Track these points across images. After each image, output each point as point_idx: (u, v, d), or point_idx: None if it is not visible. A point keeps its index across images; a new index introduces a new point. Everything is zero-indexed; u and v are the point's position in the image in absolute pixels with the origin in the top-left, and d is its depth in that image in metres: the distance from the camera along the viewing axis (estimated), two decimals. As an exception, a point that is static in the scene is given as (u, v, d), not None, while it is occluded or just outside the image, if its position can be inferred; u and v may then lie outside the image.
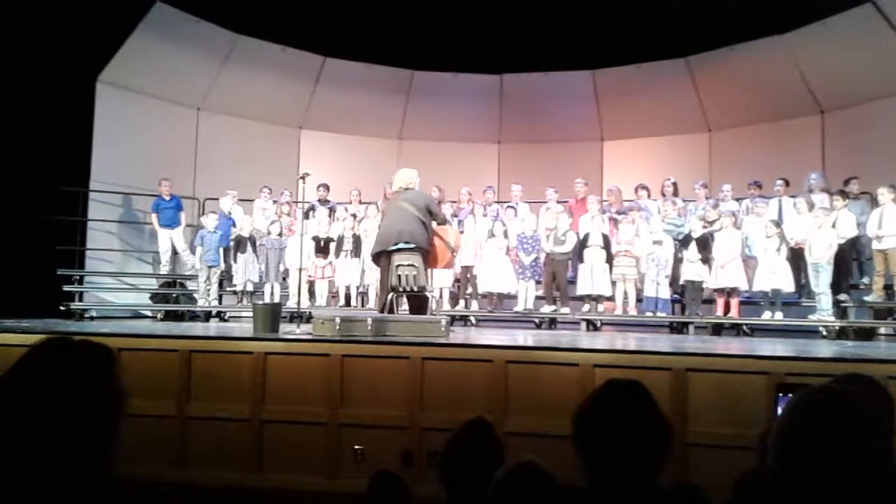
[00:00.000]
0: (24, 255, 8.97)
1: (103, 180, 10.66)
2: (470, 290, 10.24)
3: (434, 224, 7.55)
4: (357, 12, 10.99)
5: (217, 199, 11.13)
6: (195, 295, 10.63)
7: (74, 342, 1.48)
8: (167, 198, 10.90)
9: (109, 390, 1.44)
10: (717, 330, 9.17)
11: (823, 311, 8.64)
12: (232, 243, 10.62)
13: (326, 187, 11.31)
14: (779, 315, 8.93)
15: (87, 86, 10.48)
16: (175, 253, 11.00)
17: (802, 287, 9.08)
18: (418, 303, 7.40)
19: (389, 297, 7.38)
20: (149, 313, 10.71)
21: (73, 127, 10.13)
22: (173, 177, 11.08)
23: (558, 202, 10.69)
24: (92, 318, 9.85)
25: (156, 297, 10.93)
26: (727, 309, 9.12)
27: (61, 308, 9.60)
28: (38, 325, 7.44)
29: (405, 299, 7.60)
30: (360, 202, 11.24)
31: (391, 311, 7.31)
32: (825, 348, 6.88)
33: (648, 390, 1.94)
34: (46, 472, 1.33)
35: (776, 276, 8.88)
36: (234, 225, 10.78)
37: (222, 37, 11.64)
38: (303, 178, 7.96)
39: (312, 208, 10.90)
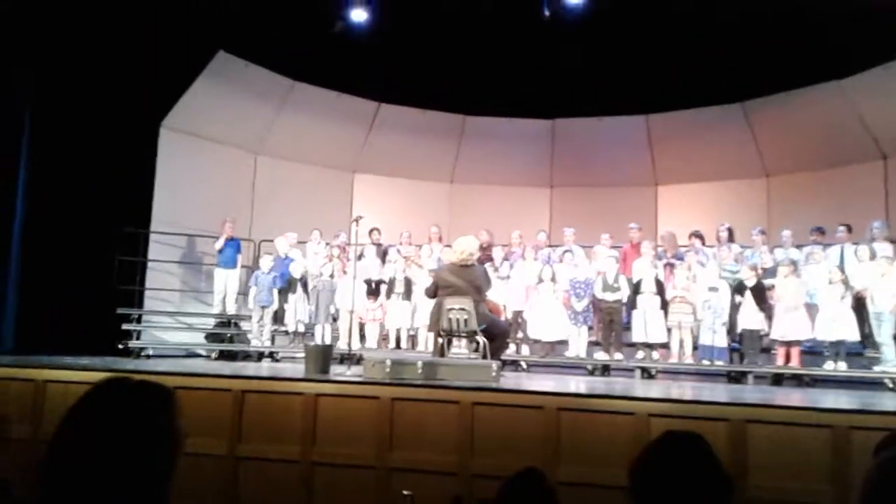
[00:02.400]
0: (86, 293, 9.24)
1: (164, 221, 10.94)
2: (521, 334, 10.15)
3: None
4: (411, 58, 11.19)
5: (272, 240, 11.31)
6: (248, 335, 10.77)
7: (135, 382, 1.50)
8: (230, 238, 11.10)
9: (168, 430, 1.46)
10: (777, 380, 8.88)
11: (888, 363, 8.32)
12: (289, 282, 10.76)
13: (378, 231, 11.41)
14: (842, 365, 8.62)
15: (151, 131, 10.84)
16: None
17: (867, 337, 8.76)
18: (493, 342, 7.30)
19: (440, 340, 7.36)
20: (203, 352, 10.87)
21: (137, 170, 10.47)
22: (231, 219, 11.31)
23: (612, 247, 10.59)
24: (148, 357, 10.03)
25: (210, 337, 11.10)
26: (788, 358, 8.85)
27: (119, 346, 9.80)
28: (97, 363, 7.61)
29: (458, 342, 7.58)
30: (411, 244, 11.30)
31: (441, 354, 7.28)
32: (890, 401, 6.60)
33: (708, 443, 1.88)
34: None
35: (839, 325, 8.60)
36: (288, 263, 10.89)
37: (279, 83, 11.97)
38: (356, 220, 8.06)
39: (363, 252, 10.99)
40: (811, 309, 8.92)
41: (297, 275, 10.80)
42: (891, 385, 8.25)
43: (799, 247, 10.00)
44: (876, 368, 8.46)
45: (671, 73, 11.09)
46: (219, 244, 10.95)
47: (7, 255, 9.31)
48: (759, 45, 10.16)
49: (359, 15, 10.62)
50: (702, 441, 1.88)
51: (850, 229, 9.59)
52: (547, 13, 10.24)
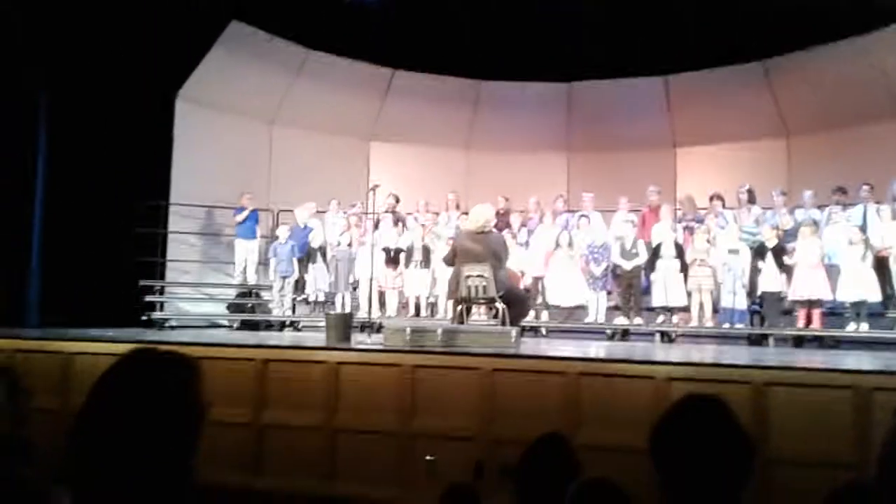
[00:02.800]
0: (108, 267, 9.33)
1: (182, 193, 10.99)
2: (540, 300, 10.16)
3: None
4: (424, 24, 11.08)
5: (291, 210, 11.35)
6: (270, 305, 10.86)
7: (161, 353, 1.53)
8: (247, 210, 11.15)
9: (193, 400, 1.48)
10: (799, 342, 8.84)
11: (912, 322, 8.27)
12: (308, 250, 10.82)
13: (396, 198, 11.39)
14: (864, 326, 8.55)
15: (167, 102, 10.84)
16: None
17: (889, 297, 8.68)
18: (511, 308, 7.32)
19: (459, 307, 7.39)
20: (225, 322, 10.99)
21: (154, 143, 10.49)
22: (248, 190, 11.35)
23: (630, 211, 10.51)
24: (172, 328, 10.15)
25: (232, 307, 11.20)
26: (809, 320, 8.79)
27: (143, 318, 9.93)
28: (122, 335, 7.72)
29: (477, 309, 7.61)
30: (428, 211, 11.28)
31: (461, 321, 7.31)
32: (915, 361, 6.55)
33: (729, 406, 1.87)
34: (134, 477, 1.37)
35: (861, 286, 8.52)
36: (309, 232, 10.94)
37: (294, 52, 11.91)
38: (373, 189, 8.06)
39: (379, 220, 11.00)
40: (831, 270, 8.83)
41: (316, 244, 10.84)
42: (914, 345, 8.20)
43: (821, 207, 9.87)
44: (899, 328, 8.40)
45: (688, 33, 10.89)
46: (240, 217, 11.00)
47: (30, 232, 9.42)
48: (777, 1, 9.94)
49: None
50: (722, 404, 1.87)
51: (872, 188, 9.45)
52: (562, -26, 10.09)
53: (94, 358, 6.17)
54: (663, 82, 12.43)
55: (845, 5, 9.76)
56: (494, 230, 7.83)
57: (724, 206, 10.26)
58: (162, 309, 10.45)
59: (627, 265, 9.64)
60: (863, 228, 8.87)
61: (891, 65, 10.40)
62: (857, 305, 8.58)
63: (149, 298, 10.20)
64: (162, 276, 10.74)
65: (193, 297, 11.29)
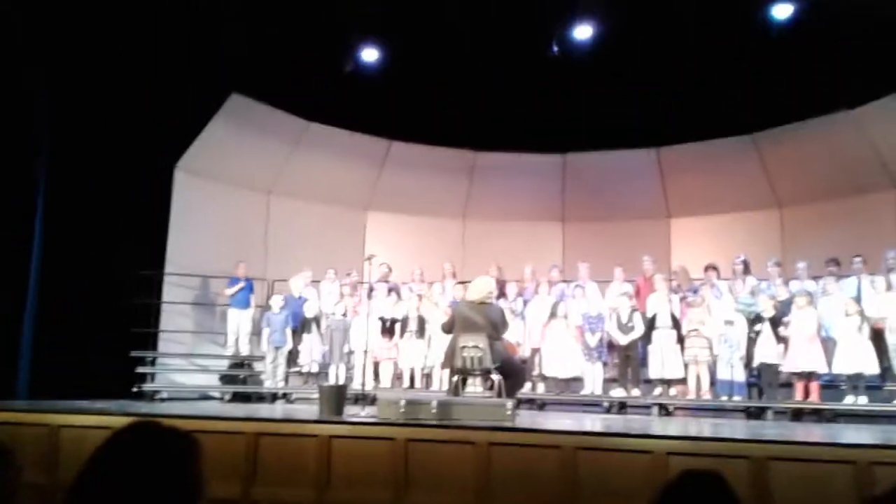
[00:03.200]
0: (100, 337, 9.26)
1: (178, 263, 10.99)
2: (536, 371, 10.06)
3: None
4: (421, 96, 11.29)
5: (286, 280, 11.33)
6: (262, 376, 10.74)
7: (161, 427, 1.50)
8: (242, 278, 11.14)
9: (192, 477, 1.44)
10: (797, 415, 8.74)
11: (910, 395, 8.20)
12: (301, 321, 10.76)
13: (389, 268, 11.39)
14: (862, 399, 8.47)
15: (166, 173, 10.95)
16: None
17: (887, 370, 8.63)
18: (508, 380, 7.23)
19: (455, 379, 7.31)
20: (217, 394, 10.84)
21: (152, 213, 10.56)
22: (245, 259, 11.36)
23: (626, 281, 10.53)
24: (162, 400, 10.01)
25: (224, 379, 11.08)
26: (807, 393, 8.71)
27: (134, 389, 9.79)
28: (112, 407, 7.59)
29: (472, 380, 7.52)
30: (423, 281, 11.27)
31: (456, 393, 7.22)
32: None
33: (728, 482, 1.84)
34: None
35: (858, 358, 8.48)
36: (303, 303, 10.89)
37: (293, 123, 12.10)
38: (369, 259, 8.07)
39: (372, 289, 10.99)
40: (827, 342, 8.80)
41: (311, 314, 10.80)
42: (913, 418, 8.11)
43: (815, 278, 9.89)
44: (897, 401, 8.33)
45: (681, 106, 11.11)
46: (231, 291, 11.01)
47: (23, 301, 9.37)
48: (768, 76, 10.18)
49: (370, 54, 10.77)
50: (721, 479, 1.85)
51: (865, 261, 9.49)
52: (556, 49, 10.34)
53: (82, 431, 6.05)
54: (656, 153, 12.62)
55: (833, 80, 9.99)
56: (494, 301, 7.82)
57: (718, 276, 10.28)
58: (153, 380, 10.32)
59: (624, 339, 9.60)
60: (857, 300, 8.87)
61: (880, 137, 10.59)
62: (855, 378, 8.52)
63: (140, 370, 10.09)
64: (154, 347, 10.65)
65: (186, 369, 11.17)
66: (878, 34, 9.10)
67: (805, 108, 10.80)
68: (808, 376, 8.72)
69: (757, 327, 9.03)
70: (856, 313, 8.60)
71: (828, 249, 10.05)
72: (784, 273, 10.00)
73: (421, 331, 10.39)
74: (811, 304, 8.99)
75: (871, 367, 8.47)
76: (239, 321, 11.05)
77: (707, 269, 10.37)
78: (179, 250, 11.02)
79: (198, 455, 1.49)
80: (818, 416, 8.64)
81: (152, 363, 10.45)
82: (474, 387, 7.79)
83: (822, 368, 8.68)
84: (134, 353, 10.03)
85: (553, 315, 9.95)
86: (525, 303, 10.46)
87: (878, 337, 8.63)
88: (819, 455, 4.85)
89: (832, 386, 8.89)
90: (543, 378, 10.05)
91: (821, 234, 10.96)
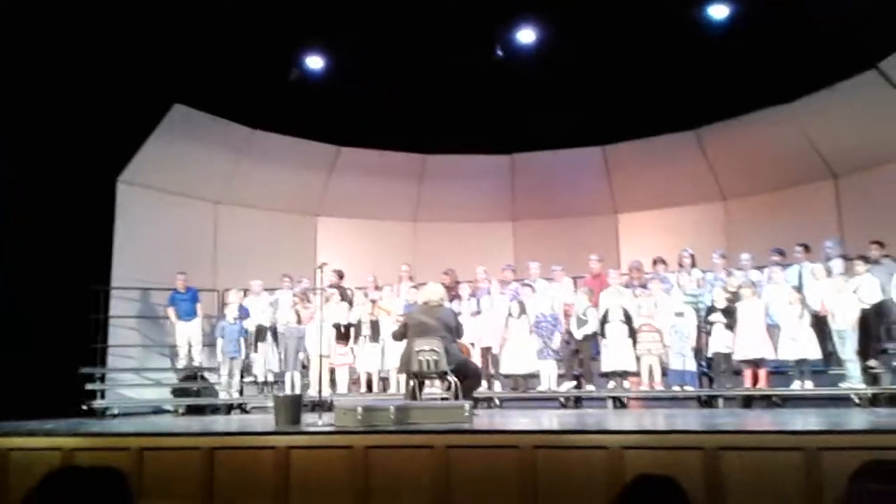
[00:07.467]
0: (46, 355, 9.00)
1: (125, 276, 10.77)
2: (492, 370, 10.12)
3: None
4: (368, 102, 11.25)
5: (237, 289, 11.14)
6: (217, 387, 10.58)
7: (85, 470, 1.46)
8: (183, 291, 10.96)
9: None
10: (748, 402, 8.97)
11: (853, 379, 8.48)
12: (251, 333, 10.63)
13: (340, 274, 11.31)
14: (809, 384, 8.74)
15: (108, 186, 10.72)
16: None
17: (830, 355, 8.91)
18: (464, 381, 7.26)
19: (412, 383, 7.32)
20: (170, 408, 10.65)
21: (96, 226, 10.33)
22: (194, 270, 11.19)
23: (572, 278, 10.68)
24: (114, 416, 9.80)
25: (177, 392, 10.88)
26: (756, 380, 8.95)
27: (83, 407, 9.56)
28: (61, 427, 7.39)
29: (430, 383, 7.55)
30: (377, 287, 11.21)
31: (414, 397, 7.23)
32: (859, 418, 6.69)
33: (681, 486, 1.88)
34: None
35: (801, 344, 8.74)
36: (246, 316, 10.74)
37: (238, 132, 11.94)
38: (321, 267, 8.03)
39: (328, 299, 10.91)
40: (773, 329, 9.05)
41: (266, 323, 10.71)
42: (857, 401, 8.38)
43: (759, 268, 10.15)
44: (842, 385, 8.59)
45: (625, 104, 11.31)
46: (171, 315, 10.88)
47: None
48: (709, 72, 10.40)
49: (314, 61, 10.70)
50: (674, 484, 1.88)
51: (807, 248, 9.78)
52: (500, 52, 10.42)
53: (30, 454, 5.89)
54: (602, 151, 12.80)
55: (771, 74, 10.26)
56: (447, 304, 7.85)
57: (666, 269, 10.49)
58: (104, 397, 10.10)
59: (578, 334, 9.71)
60: (798, 288, 9.14)
61: (816, 130, 10.91)
62: (800, 363, 8.77)
63: (89, 386, 9.86)
64: (103, 363, 10.42)
65: (137, 384, 10.95)
66: (812, 31, 9.38)
67: (745, 103, 11.06)
68: (756, 363, 8.96)
69: (711, 318, 9.23)
70: (797, 301, 8.85)
71: (771, 240, 10.33)
72: (729, 264, 10.23)
73: (375, 335, 10.36)
74: (755, 294, 9.24)
75: (814, 353, 8.74)
76: (188, 333, 10.86)
77: (655, 262, 10.59)
78: (126, 263, 10.81)
79: (128, 492, 1.46)
80: (768, 401, 8.87)
81: (101, 379, 10.22)
82: (432, 387, 7.83)
83: (769, 355, 8.93)
84: (83, 370, 9.79)
85: (510, 314, 10.01)
86: (478, 302, 10.50)
87: (820, 323, 8.89)
88: (769, 443, 4.97)
89: (779, 372, 9.14)
90: (501, 376, 10.11)
91: (764, 225, 11.26)
